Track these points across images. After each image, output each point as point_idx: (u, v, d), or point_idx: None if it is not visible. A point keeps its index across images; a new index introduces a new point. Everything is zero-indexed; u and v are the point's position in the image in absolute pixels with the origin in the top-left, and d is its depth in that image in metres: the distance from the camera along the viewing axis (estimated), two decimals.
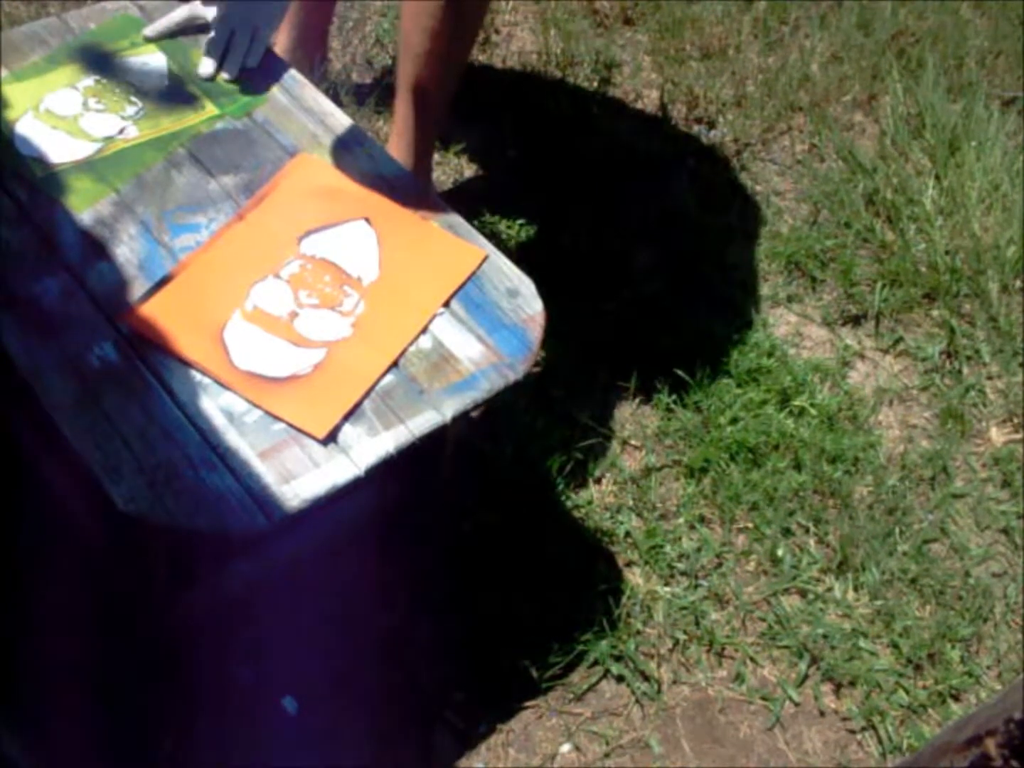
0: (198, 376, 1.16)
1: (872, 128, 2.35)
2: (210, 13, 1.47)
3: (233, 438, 1.11)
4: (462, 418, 1.18)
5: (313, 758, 1.37)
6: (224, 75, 1.45)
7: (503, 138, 2.18)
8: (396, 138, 1.83)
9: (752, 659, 1.55)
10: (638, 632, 1.54)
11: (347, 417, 1.14)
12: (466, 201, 1.97)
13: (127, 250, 1.26)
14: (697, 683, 1.52)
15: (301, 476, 1.10)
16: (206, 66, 1.45)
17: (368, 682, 1.43)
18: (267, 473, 1.09)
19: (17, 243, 1.25)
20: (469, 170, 2.09)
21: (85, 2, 2.12)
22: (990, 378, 1.92)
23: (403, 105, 1.82)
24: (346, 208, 1.33)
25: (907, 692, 1.53)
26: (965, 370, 1.92)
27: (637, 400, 1.79)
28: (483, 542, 1.56)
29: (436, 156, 1.94)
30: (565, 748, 1.44)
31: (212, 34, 1.45)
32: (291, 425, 1.13)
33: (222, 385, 1.15)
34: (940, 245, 2.06)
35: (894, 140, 2.29)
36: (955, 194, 2.15)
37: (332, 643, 1.43)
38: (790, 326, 1.96)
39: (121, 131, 1.39)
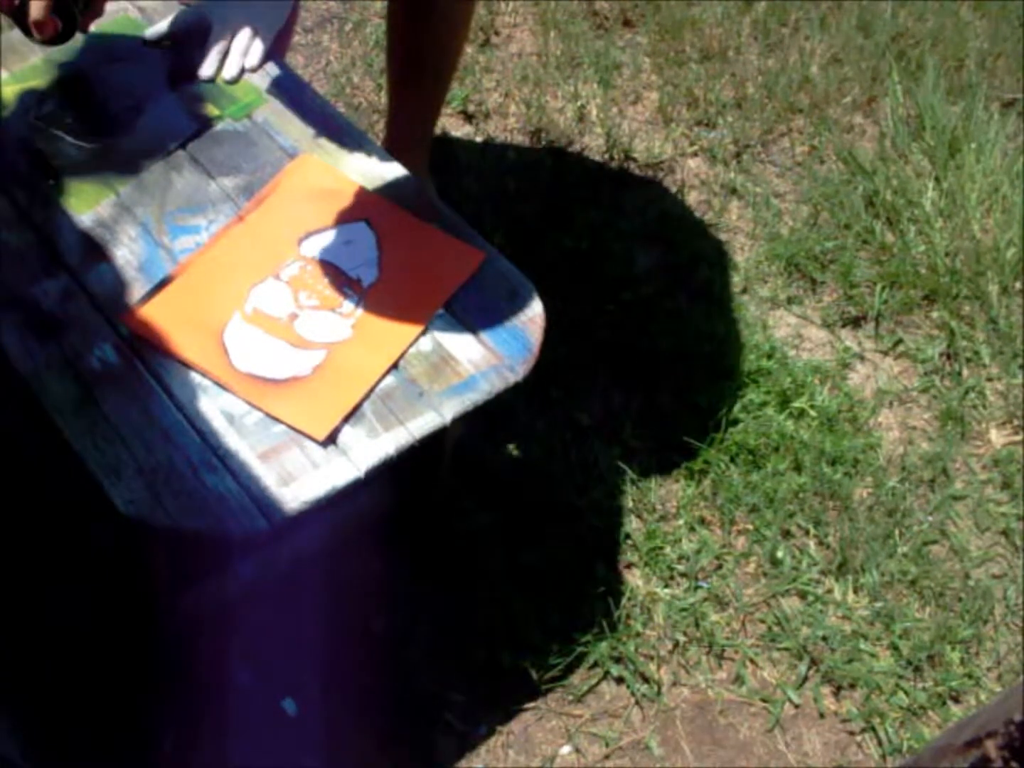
0: (198, 378, 1.16)
1: (872, 130, 2.35)
2: (213, 14, 1.47)
3: (233, 440, 1.11)
4: (462, 420, 1.18)
5: (313, 760, 1.37)
6: (224, 76, 1.45)
7: (503, 139, 2.18)
8: (393, 140, 1.84)
9: (752, 661, 1.55)
10: (638, 634, 1.54)
11: (347, 419, 1.14)
12: (466, 202, 1.97)
13: (127, 252, 1.26)
14: (697, 685, 1.52)
15: (301, 478, 1.10)
16: (207, 67, 1.44)
17: (368, 684, 1.43)
18: (267, 475, 1.09)
19: (17, 244, 1.25)
20: (469, 172, 2.09)
21: None
22: (990, 380, 1.92)
23: (398, 106, 1.83)
24: (346, 210, 1.33)
25: (907, 694, 1.53)
26: (965, 372, 1.93)
27: (637, 401, 1.79)
28: (483, 542, 1.57)
29: (434, 158, 1.94)
30: (565, 750, 1.44)
31: (213, 35, 1.45)
32: (291, 427, 1.13)
33: (222, 387, 1.15)
34: (940, 247, 2.06)
35: (894, 142, 2.29)
36: (955, 196, 2.15)
37: (332, 644, 1.43)
38: (790, 328, 1.96)
39: None
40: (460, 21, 1.73)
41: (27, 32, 1.23)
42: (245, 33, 1.45)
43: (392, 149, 1.76)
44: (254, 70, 1.46)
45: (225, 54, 1.45)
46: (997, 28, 2.60)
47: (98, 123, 1.39)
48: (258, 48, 1.46)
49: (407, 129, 1.83)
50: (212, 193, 1.33)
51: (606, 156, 2.18)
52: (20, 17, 1.20)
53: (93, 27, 1.49)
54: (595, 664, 1.50)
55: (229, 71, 1.45)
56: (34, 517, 1.35)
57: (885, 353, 1.96)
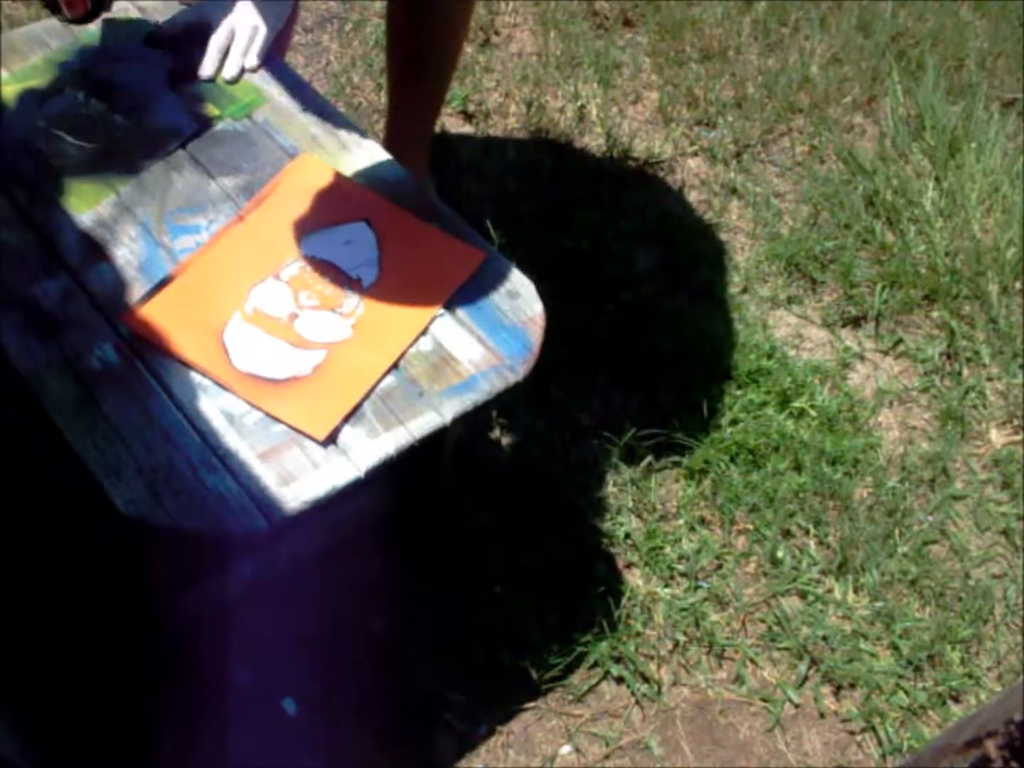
0: (198, 377, 1.16)
1: (872, 130, 2.35)
2: (213, 14, 1.47)
3: (233, 439, 1.11)
4: (462, 420, 1.18)
5: (313, 760, 1.37)
6: (224, 76, 1.45)
7: (503, 139, 2.18)
8: (393, 139, 1.84)
9: (752, 660, 1.55)
10: (638, 633, 1.54)
11: (347, 419, 1.14)
12: (466, 202, 1.97)
13: (127, 251, 1.26)
14: (697, 684, 1.52)
15: (301, 478, 1.10)
16: (207, 67, 1.45)
17: (368, 683, 1.43)
18: (267, 475, 1.09)
19: (17, 244, 1.25)
20: (468, 171, 2.09)
21: None
22: (990, 380, 1.92)
23: (398, 106, 1.83)
24: (346, 209, 1.33)
25: (907, 694, 1.53)
26: (965, 372, 1.93)
27: (637, 401, 1.79)
28: (483, 542, 1.57)
29: (434, 158, 1.94)
30: (565, 749, 1.44)
31: (213, 35, 1.45)
32: (291, 427, 1.13)
33: (222, 386, 1.15)
34: (940, 247, 2.06)
35: (894, 142, 2.29)
36: (955, 196, 2.15)
37: (332, 644, 1.43)
38: (790, 328, 1.96)
39: None
40: (460, 20, 1.74)
41: (56, 11, 1.22)
42: (245, 33, 1.45)
43: (392, 148, 1.75)
44: (254, 70, 1.46)
45: (225, 54, 1.45)
46: (997, 28, 2.60)
47: (98, 123, 1.39)
48: (257, 48, 1.46)
49: (407, 128, 1.83)
50: (212, 193, 1.33)
51: (606, 156, 2.18)
52: None
53: (93, 26, 1.50)
54: (595, 664, 1.50)
55: (229, 71, 1.45)
56: (34, 517, 1.35)
57: (885, 353, 1.96)
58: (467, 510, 1.59)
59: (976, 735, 0.79)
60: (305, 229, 1.31)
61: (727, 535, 1.66)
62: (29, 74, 1.43)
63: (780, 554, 1.64)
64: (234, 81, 1.45)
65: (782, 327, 1.96)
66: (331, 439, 1.13)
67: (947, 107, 2.33)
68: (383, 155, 1.42)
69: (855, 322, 1.99)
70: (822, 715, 1.51)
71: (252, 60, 1.46)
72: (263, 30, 1.46)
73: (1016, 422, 1.86)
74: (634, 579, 1.59)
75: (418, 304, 1.25)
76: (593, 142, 2.21)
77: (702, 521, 1.67)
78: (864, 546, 1.65)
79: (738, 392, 1.80)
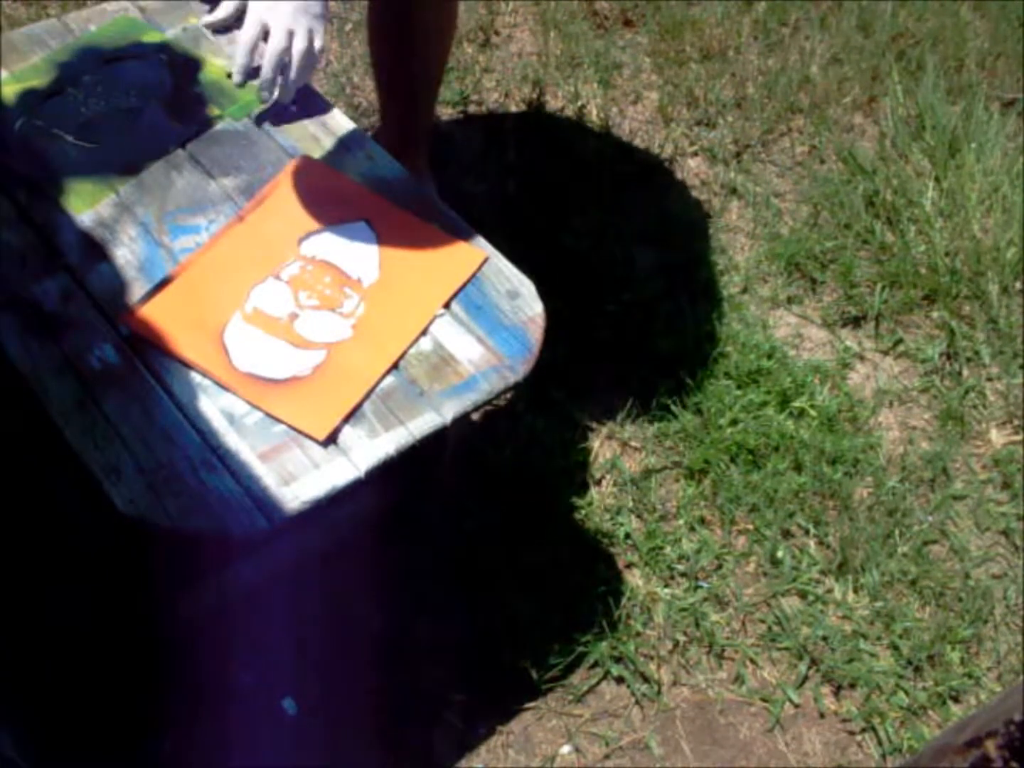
0: (198, 378, 1.16)
1: (872, 130, 2.35)
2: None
3: (233, 440, 1.11)
4: (462, 419, 1.18)
5: (313, 759, 1.37)
6: (278, 98, 1.40)
7: (503, 140, 2.18)
8: (390, 140, 1.84)
9: (752, 660, 1.55)
10: (638, 633, 1.54)
11: (347, 419, 1.14)
12: (466, 202, 1.97)
13: (127, 251, 1.26)
14: (697, 685, 1.52)
15: (301, 478, 1.10)
16: (236, 76, 1.38)
17: (368, 683, 1.43)
18: (267, 475, 1.09)
19: (17, 244, 1.25)
20: (469, 172, 2.09)
21: (85, 4, 2.13)
22: (990, 380, 1.92)
23: (392, 108, 1.83)
24: (346, 210, 1.33)
25: (907, 694, 1.53)
26: (965, 372, 1.93)
27: (637, 401, 1.79)
28: (483, 542, 1.57)
29: (434, 158, 1.94)
30: (565, 749, 1.44)
31: (240, 32, 1.37)
32: (291, 427, 1.13)
33: (222, 387, 1.15)
34: (940, 247, 2.06)
35: (894, 142, 2.29)
36: (955, 196, 2.15)
37: (332, 644, 1.43)
38: (790, 328, 1.96)
39: None
40: (443, 21, 1.73)
41: None
42: (280, 36, 1.33)
43: (390, 149, 1.76)
44: (290, 98, 1.39)
45: (252, 54, 1.37)
46: (997, 28, 2.60)
47: (98, 123, 1.39)
48: (298, 60, 1.35)
49: (401, 129, 1.82)
50: (212, 193, 1.33)
51: (606, 156, 2.18)
52: None
53: (93, 27, 1.50)
54: (595, 664, 1.50)
55: (283, 95, 1.38)
56: (34, 517, 1.35)
57: (885, 353, 1.96)
58: (467, 510, 1.59)
59: (976, 735, 0.79)
60: (305, 229, 1.31)
61: (727, 535, 1.66)
62: (29, 74, 1.43)
63: (780, 554, 1.64)
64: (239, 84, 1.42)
65: (782, 327, 1.96)
66: (331, 439, 1.13)
67: (947, 107, 2.33)
68: (383, 155, 1.42)
69: (855, 322, 1.99)
70: (822, 715, 1.51)
71: (288, 93, 1.38)
72: (300, 42, 1.34)
73: (1016, 422, 1.86)
74: (634, 579, 1.59)
75: (418, 304, 1.25)
76: (593, 142, 2.21)
77: (702, 521, 1.67)
78: (864, 546, 1.65)
79: (738, 392, 1.81)
